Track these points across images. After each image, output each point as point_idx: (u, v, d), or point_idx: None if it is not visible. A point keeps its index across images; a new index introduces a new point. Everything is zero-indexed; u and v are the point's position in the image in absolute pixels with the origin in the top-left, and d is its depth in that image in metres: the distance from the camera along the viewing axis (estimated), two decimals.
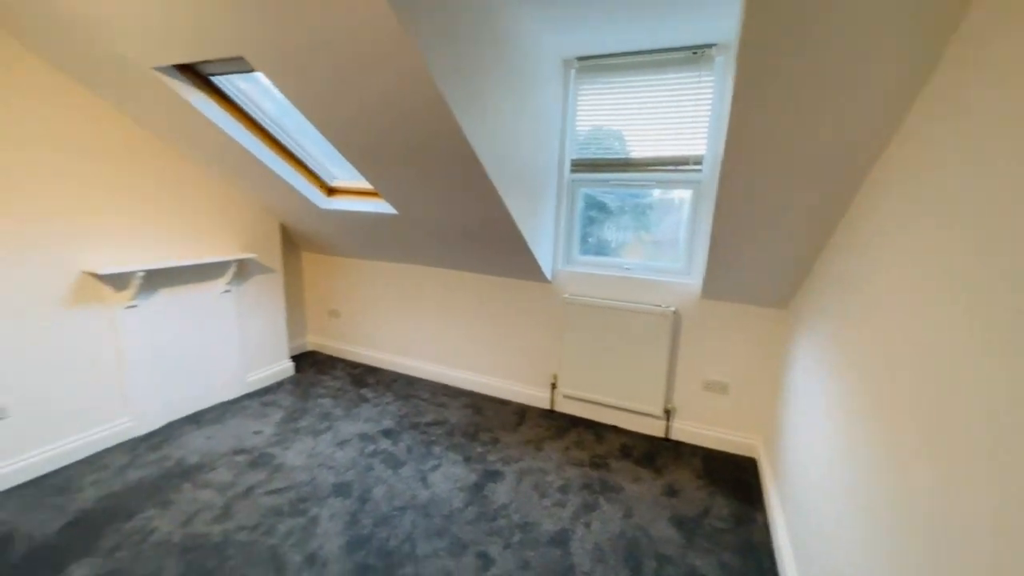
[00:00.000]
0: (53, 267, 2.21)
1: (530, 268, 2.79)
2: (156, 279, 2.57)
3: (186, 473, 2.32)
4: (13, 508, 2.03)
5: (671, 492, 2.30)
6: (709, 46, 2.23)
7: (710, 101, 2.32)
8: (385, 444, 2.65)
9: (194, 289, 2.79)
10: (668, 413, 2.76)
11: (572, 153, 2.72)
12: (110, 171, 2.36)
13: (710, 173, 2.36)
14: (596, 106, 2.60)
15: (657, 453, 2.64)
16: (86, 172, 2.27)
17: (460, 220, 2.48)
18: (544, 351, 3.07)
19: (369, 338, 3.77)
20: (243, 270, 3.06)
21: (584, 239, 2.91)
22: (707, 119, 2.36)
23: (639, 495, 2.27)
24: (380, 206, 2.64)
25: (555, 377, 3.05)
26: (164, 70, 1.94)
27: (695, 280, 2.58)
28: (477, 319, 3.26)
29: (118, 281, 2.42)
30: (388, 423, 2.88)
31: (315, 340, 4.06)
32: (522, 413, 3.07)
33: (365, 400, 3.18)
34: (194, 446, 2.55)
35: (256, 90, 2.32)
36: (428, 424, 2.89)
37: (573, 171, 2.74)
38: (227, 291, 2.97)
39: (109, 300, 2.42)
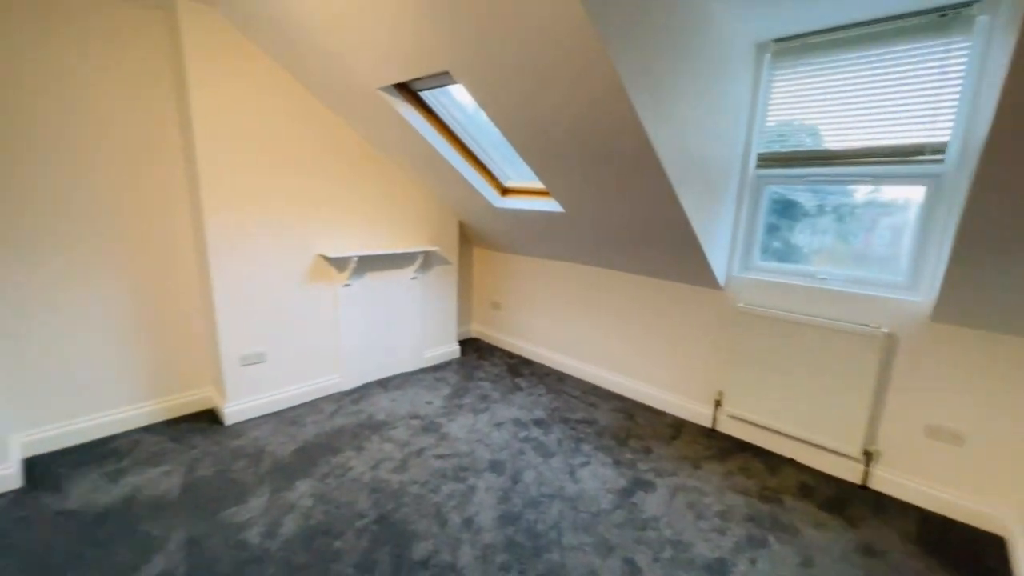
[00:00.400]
0: (299, 250, 2.84)
1: (700, 272, 2.59)
2: (365, 264, 3.11)
3: (375, 427, 2.76)
4: (265, 430, 2.67)
5: (869, 552, 1.89)
6: (967, 4, 1.77)
7: (961, 75, 1.85)
8: (536, 433, 2.75)
9: (390, 275, 3.30)
10: (868, 456, 2.28)
11: (760, 146, 2.44)
12: (340, 174, 2.94)
13: (957, 164, 1.88)
14: (793, 93, 2.29)
15: (849, 501, 2.21)
16: (324, 176, 2.87)
17: (628, 219, 2.44)
18: (709, 364, 2.82)
19: (525, 331, 3.96)
20: (427, 261, 3.51)
21: (767, 243, 2.59)
22: (954, 98, 1.88)
23: (822, 545, 1.93)
24: (549, 204, 2.75)
25: (720, 394, 2.78)
26: (385, 89, 2.34)
27: (922, 298, 2.08)
28: (635, 323, 3.16)
29: (340, 264, 3.00)
30: (540, 413, 2.99)
31: (478, 328, 4.43)
32: (678, 427, 2.87)
33: (519, 389, 3.35)
34: (381, 406, 3.02)
35: (450, 102, 2.64)
36: (578, 421, 2.91)
37: (760, 166, 2.46)
38: (414, 278, 3.44)
39: (333, 279, 3.02)
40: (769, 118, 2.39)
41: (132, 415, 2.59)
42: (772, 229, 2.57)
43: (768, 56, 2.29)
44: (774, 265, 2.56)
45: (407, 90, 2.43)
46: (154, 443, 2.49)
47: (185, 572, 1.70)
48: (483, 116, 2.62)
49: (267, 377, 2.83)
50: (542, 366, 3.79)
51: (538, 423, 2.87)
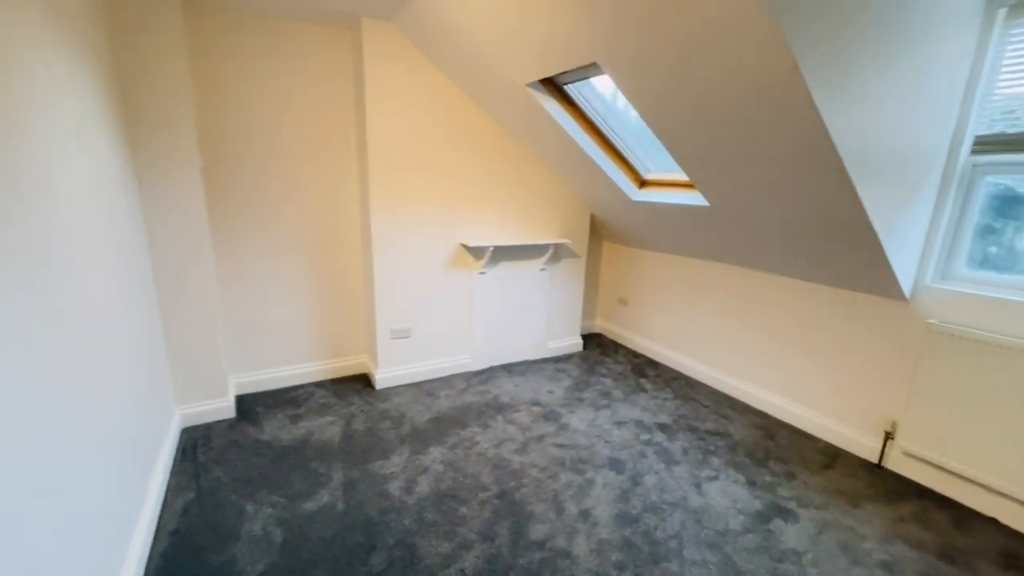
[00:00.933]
0: (444, 239, 3.10)
1: (879, 279, 2.20)
2: (499, 254, 3.27)
3: (499, 408, 2.90)
4: (406, 398, 3.00)
5: None
6: None
7: None
8: (660, 437, 2.63)
9: (521, 265, 3.43)
10: None
11: (980, 127, 1.96)
12: (482, 170, 3.13)
13: None
14: None
15: None
16: (468, 172, 3.08)
17: (788, 216, 2.17)
18: (879, 389, 2.39)
19: (653, 331, 3.79)
20: (556, 253, 3.56)
21: (978, 247, 2.08)
22: None
23: None
24: (692, 198, 2.57)
25: (892, 425, 2.34)
26: (532, 85, 2.42)
27: None
28: (784, 332, 2.81)
29: (477, 252, 3.20)
30: (664, 418, 2.85)
31: (602, 324, 4.37)
32: (832, 455, 2.50)
33: (643, 390, 3.23)
34: (505, 389, 3.17)
35: (591, 93, 2.61)
36: (708, 432, 2.70)
37: (977, 152, 1.98)
38: (543, 269, 3.52)
39: (470, 266, 3.24)
40: (996, 91, 1.91)
41: (308, 371, 3.12)
42: (987, 231, 2.06)
43: (1003, 12, 1.81)
44: (987, 275, 2.05)
45: (552, 85, 2.48)
46: (322, 396, 2.96)
47: (342, 508, 2.01)
48: (624, 106, 2.56)
49: (410, 351, 3.16)
50: (669, 369, 3.59)
51: (662, 427, 2.74)
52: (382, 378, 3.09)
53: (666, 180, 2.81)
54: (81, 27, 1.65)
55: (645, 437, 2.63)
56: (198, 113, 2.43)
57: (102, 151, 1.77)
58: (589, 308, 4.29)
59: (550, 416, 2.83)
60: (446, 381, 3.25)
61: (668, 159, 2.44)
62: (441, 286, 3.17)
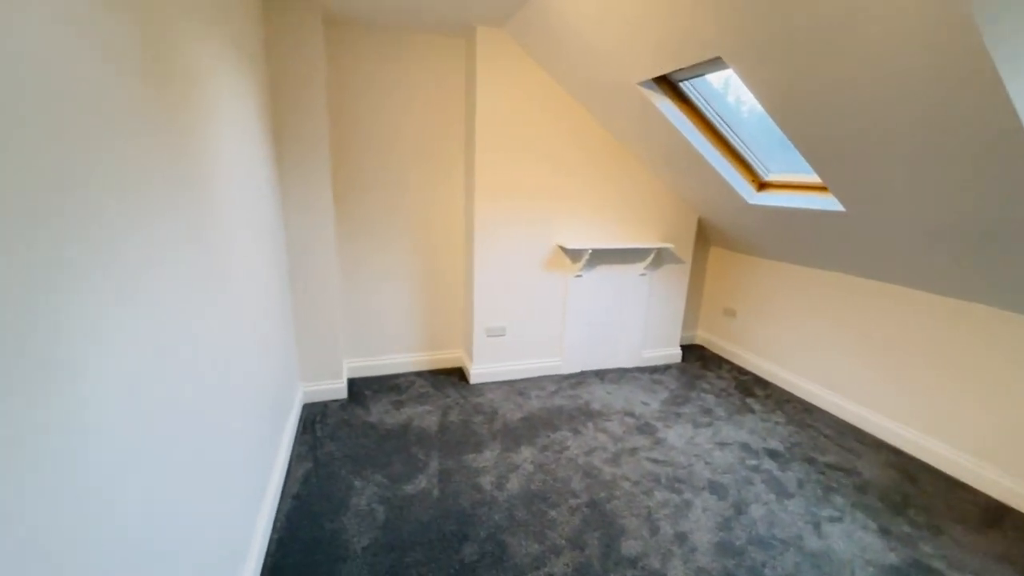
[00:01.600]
0: (542, 240, 3.12)
1: None
2: (597, 257, 3.21)
3: (590, 415, 2.85)
4: (498, 395, 3.06)
5: None
6: None
7: None
8: (770, 465, 2.39)
9: (619, 269, 3.33)
10: None
11: None
12: (583, 170, 3.09)
13: None
14: None
15: None
16: (569, 172, 3.06)
17: (951, 222, 1.84)
18: None
19: (763, 346, 3.46)
20: (658, 257, 3.40)
21: None
22: None
23: None
24: (822, 202, 2.30)
25: None
26: (644, 84, 2.33)
27: None
28: (931, 357, 2.40)
29: (574, 255, 3.17)
30: (775, 444, 2.58)
31: (704, 335, 4.09)
32: (996, 512, 2.08)
33: (750, 411, 2.96)
34: (597, 395, 3.10)
35: (707, 91, 2.45)
36: (829, 465, 2.40)
37: None
38: (643, 274, 3.38)
39: (566, 268, 3.22)
40: None
41: (410, 361, 3.33)
42: None
43: None
44: None
45: (665, 83, 2.37)
46: (422, 386, 3.14)
47: (437, 495, 2.11)
48: (739, 102, 2.37)
49: (504, 349, 3.23)
50: (781, 390, 3.25)
51: (773, 454, 2.48)
52: (476, 373, 3.19)
53: (790, 182, 2.54)
54: (240, 40, 1.92)
55: (752, 463, 2.41)
56: (329, 117, 2.70)
57: (260, 158, 2.05)
58: (690, 318, 4.04)
59: (644, 429, 2.71)
60: (536, 382, 3.27)
61: (792, 158, 2.20)
62: (537, 287, 3.20)
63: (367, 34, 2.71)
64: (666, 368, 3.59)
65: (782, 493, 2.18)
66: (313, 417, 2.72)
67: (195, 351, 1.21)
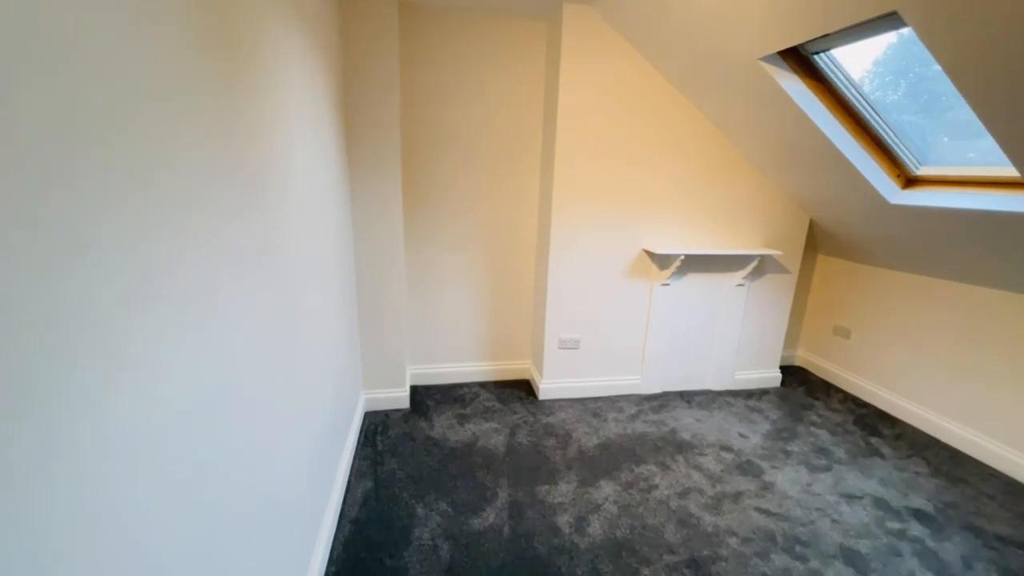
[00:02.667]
0: (625, 244, 2.77)
1: None
2: (688, 264, 2.81)
3: (679, 446, 2.47)
4: (571, 414, 2.76)
5: None
6: None
7: None
8: (918, 531, 1.91)
9: (713, 279, 2.91)
10: None
11: None
12: (675, 167, 2.71)
13: None
14: None
15: None
16: (658, 168, 2.69)
17: None
18: None
19: (888, 374, 2.89)
20: (760, 266, 2.94)
21: None
22: None
23: None
24: (1007, 201, 1.79)
25: None
26: (769, 59, 1.93)
27: None
28: None
29: (663, 261, 2.80)
30: (920, 502, 2.08)
31: (806, 356, 3.54)
32: None
33: (878, 453, 2.45)
34: (685, 423, 2.70)
35: (845, 67, 2.00)
36: (1002, 539, 1.87)
37: None
38: (740, 285, 2.94)
39: (651, 276, 2.85)
40: None
41: (474, 370, 3.10)
42: None
43: None
44: None
45: (794, 58, 1.95)
46: (487, 399, 2.90)
47: (508, 534, 1.84)
48: (887, 81, 1.91)
49: (577, 363, 2.92)
50: (915, 429, 2.69)
51: (921, 517, 1.99)
52: (546, 389, 2.91)
53: (956, 177, 2.03)
54: (315, 23, 1.75)
55: (894, 526, 1.94)
56: (400, 112, 2.53)
57: (331, 157, 1.89)
58: (790, 336, 3.52)
59: (747, 468, 2.30)
60: (613, 402, 2.92)
61: (957, 151, 1.72)
62: (617, 296, 2.85)
63: (441, 21, 2.50)
64: (763, 394, 3.12)
65: (944, 574, 1.71)
66: (375, 428, 2.55)
67: (268, 370, 1.02)
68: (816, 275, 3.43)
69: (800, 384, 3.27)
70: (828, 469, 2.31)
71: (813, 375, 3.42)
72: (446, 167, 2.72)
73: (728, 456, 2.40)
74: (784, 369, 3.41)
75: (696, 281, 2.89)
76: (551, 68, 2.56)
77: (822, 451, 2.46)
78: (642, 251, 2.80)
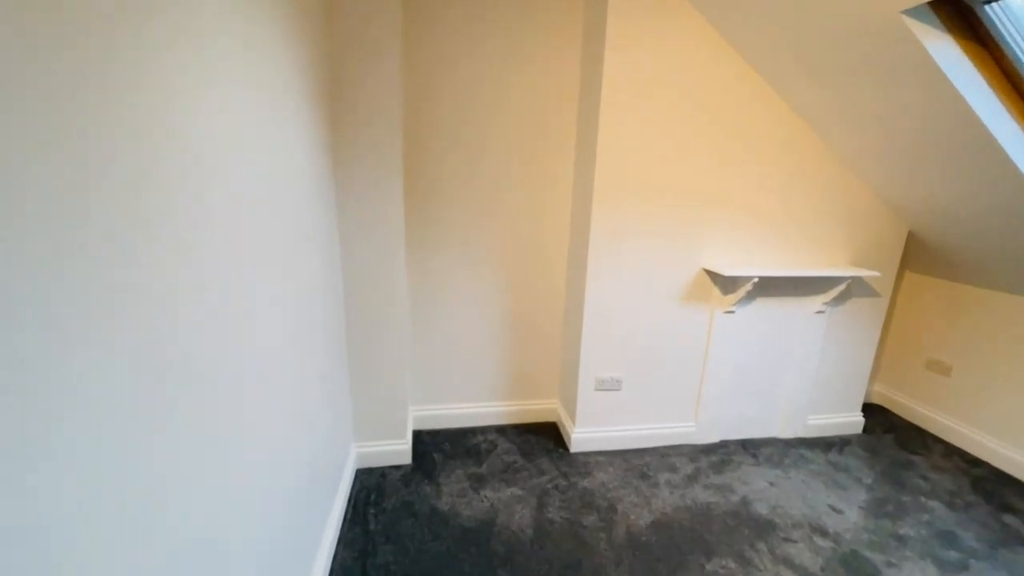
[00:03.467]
0: (681, 261, 2.22)
1: None
2: (758, 287, 2.25)
3: (758, 526, 1.91)
4: (613, 475, 2.20)
5: None
6: None
7: None
8: None
9: (787, 304, 2.34)
10: None
11: None
12: (747, 161, 2.14)
13: None
14: None
15: None
16: (726, 165, 2.13)
17: None
18: None
19: (1006, 424, 2.31)
20: (847, 289, 2.36)
21: None
22: None
23: None
24: None
25: None
26: (914, 12, 1.36)
27: None
28: None
29: (728, 284, 2.24)
30: None
31: (886, 392, 2.96)
32: None
33: (1018, 539, 1.87)
34: (757, 487, 2.14)
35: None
36: None
37: None
38: (820, 312, 2.37)
39: (712, 302, 2.29)
40: None
41: (489, 412, 2.56)
42: None
43: None
44: None
45: (952, 7, 1.39)
46: (506, 451, 2.35)
47: None
48: None
49: (618, 407, 2.36)
50: None
51: None
52: (579, 439, 2.36)
53: None
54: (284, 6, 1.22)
55: None
56: (403, 99, 1.99)
57: (305, 150, 1.36)
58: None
59: (856, 566, 1.73)
60: (663, 456, 2.37)
61: None
62: (669, 325, 2.30)
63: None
64: (844, 444, 2.54)
65: None
66: (367, 495, 2.02)
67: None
68: (901, 296, 2.84)
69: (886, 430, 2.69)
70: (964, 568, 1.74)
71: (898, 417, 2.84)
72: (460, 166, 2.19)
73: (825, 544, 1.83)
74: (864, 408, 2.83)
75: (766, 307, 2.33)
76: (593, 37, 2.01)
77: (946, 537, 1.89)
78: (701, 271, 2.24)
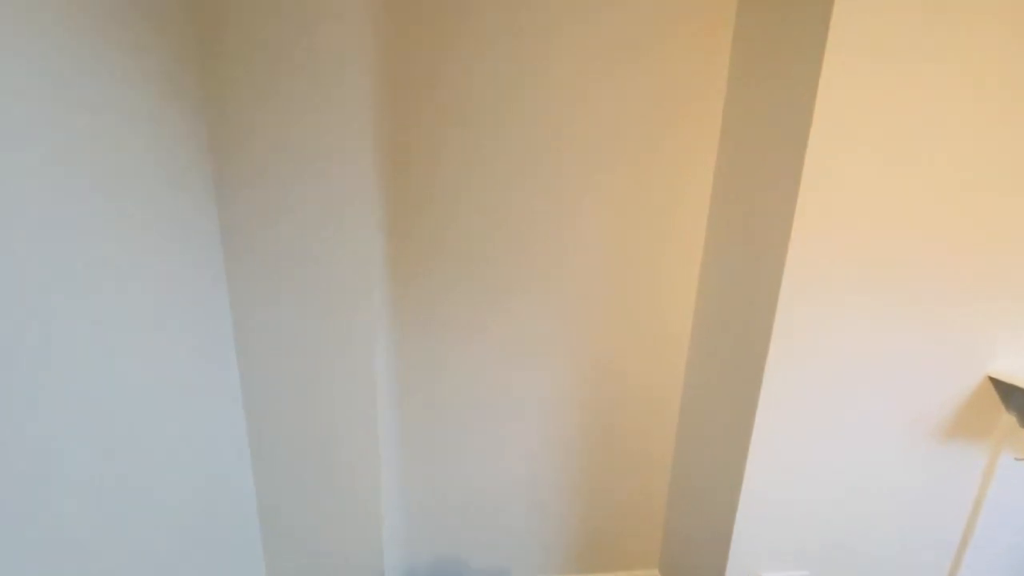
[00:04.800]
0: (945, 359, 1.16)
1: None
2: None
3: None
4: None
5: None
6: None
7: None
8: None
9: None
10: None
11: None
12: None
13: None
14: None
15: None
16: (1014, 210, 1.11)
17: None
18: None
19: None
20: None
21: None
22: None
23: None
24: None
25: None
26: None
27: None
28: None
29: None
30: None
31: None
32: None
33: None
34: None
35: None
36: None
37: None
38: None
39: (995, 436, 1.24)
40: None
41: None
42: None
43: None
44: None
45: None
46: None
47: None
48: None
49: None
50: None
51: None
52: None
53: None
54: None
55: None
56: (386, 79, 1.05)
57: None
58: None
59: None
60: None
61: None
62: (908, 474, 1.24)
63: None
64: None
65: None
66: None
67: None
68: None
69: None
70: None
71: None
72: (463, 162, 1.22)
73: None
74: None
75: None
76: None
77: None
78: (986, 380, 1.19)
